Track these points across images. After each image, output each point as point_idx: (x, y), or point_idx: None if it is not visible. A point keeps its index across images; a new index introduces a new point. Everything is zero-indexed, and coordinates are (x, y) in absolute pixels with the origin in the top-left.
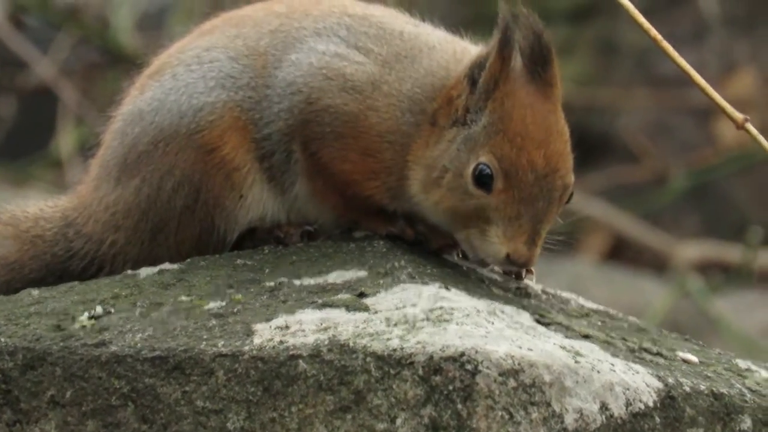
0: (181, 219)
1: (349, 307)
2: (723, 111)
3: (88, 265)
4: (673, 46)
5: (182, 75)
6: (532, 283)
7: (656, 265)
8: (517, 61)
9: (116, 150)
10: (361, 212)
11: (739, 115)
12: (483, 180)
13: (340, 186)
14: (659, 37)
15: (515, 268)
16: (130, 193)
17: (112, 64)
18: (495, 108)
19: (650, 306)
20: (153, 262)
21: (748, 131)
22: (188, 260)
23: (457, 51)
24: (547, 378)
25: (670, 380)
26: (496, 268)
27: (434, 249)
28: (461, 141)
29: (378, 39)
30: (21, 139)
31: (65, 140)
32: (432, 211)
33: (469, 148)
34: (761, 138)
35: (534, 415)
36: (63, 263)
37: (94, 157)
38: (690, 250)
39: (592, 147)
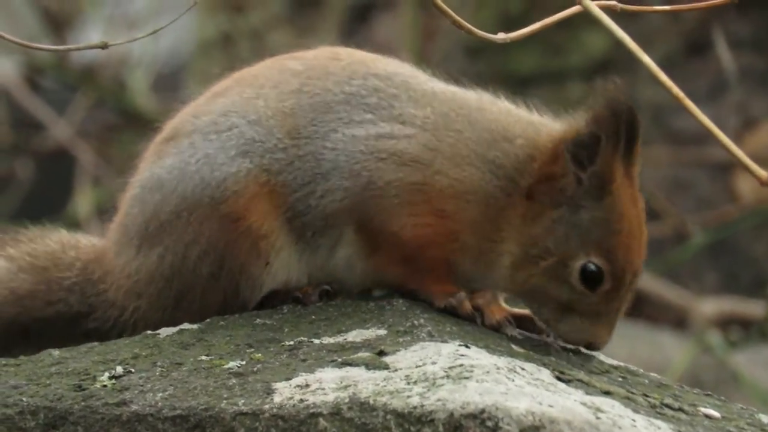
0: (207, 286)
1: (368, 366)
2: (746, 168)
3: (107, 327)
4: (692, 101)
5: (200, 144)
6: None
7: (675, 321)
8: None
9: (136, 217)
10: (424, 281)
11: (762, 172)
12: (591, 279)
13: (411, 252)
14: (681, 93)
15: (593, 350)
16: (152, 261)
17: (128, 125)
18: (613, 203)
19: (670, 362)
20: (174, 325)
21: None
22: (207, 320)
23: (520, 116)
24: None
25: None
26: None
27: (488, 325)
28: (570, 227)
29: (415, 102)
30: (38, 201)
31: (83, 202)
32: (509, 284)
33: (580, 239)
34: None
35: None
36: (76, 315)
37: (113, 221)
38: (709, 306)
39: None
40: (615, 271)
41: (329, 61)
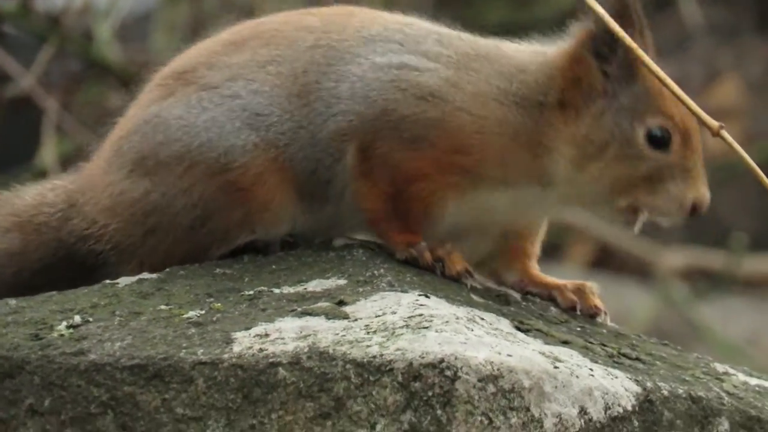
0: (181, 236)
1: (328, 315)
2: (698, 118)
3: (87, 245)
4: (657, 55)
5: (208, 104)
6: (607, 321)
7: (640, 272)
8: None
9: (135, 145)
10: (390, 227)
11: (714, 123)
12: (660, 141)
13: (399, 186)
14: (635, 45)
15: (694, 215)
16: (138, 190)
17: (94, 75)
18: (645, 76)
19: (635, 313)
20: (133, 258)
21: (723, 138)
22: (167, 270)
23: (523, 49)
24: (526, 383)
25: (649, 384)
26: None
27: (449, 275)
28: (615, 112)
29: (439, 42)
30: (4, 151)
31: (48, 152)
32: (576, 189)
33: (631, 116)
34: (737, 145)
35: (513, 420)
36: (70, 247)
37: (108, 138)
38: (674, 258)
39: None
40: (677, 124)
41: (347, 17)
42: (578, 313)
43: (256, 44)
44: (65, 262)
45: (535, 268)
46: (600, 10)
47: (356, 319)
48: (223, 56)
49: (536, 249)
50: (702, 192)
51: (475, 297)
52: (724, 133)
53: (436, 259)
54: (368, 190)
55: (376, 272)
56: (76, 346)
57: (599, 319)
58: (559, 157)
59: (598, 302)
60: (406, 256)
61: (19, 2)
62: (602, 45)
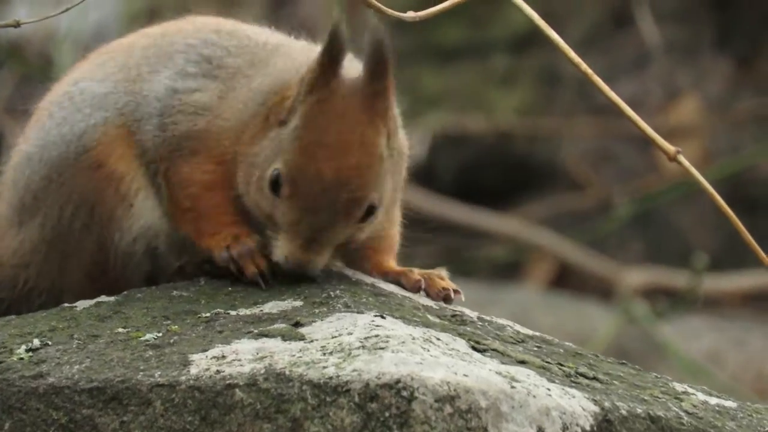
0: (80, 238)
1: (285, 337)
2: (654, 143)
3: (4, 307)
4: (616, 75)
5: (57, 113)
6: (460, 304)
7: (601, 291)
8: (350, 69)
9: (12, 198)
10: (203, 233)
11: (671, 148)
12: (275, 184)
13: (194, 200)
14: (589, 70)
15: (296, 270)
16: (34, 231)
17: None
18: (304, 113)
19: (596, 332)
20: (66, 292)
21: (680, 163)
22: (125, 293)
23: (311, 56)
24: (483, 403)
25: (607, 404)
26: (425, 296)
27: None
28: (275, 141)
29: (238, 50)
30: None
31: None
32: (253, 212)
33: (275, 150)
34: (693, 170)
35: None
36: None
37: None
38: (634, 276)
39: (536, 176)
40: (293, 176)
41: (185, 23)
42: (424, 295)
43: (93, 58)
44: None
45: (385, 261)
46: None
47: (312, 341)
48: (71, 72)
49: (386, 244)
50: (292, 251)
51: (431, 317)
52: (681, 158)
53: (233, 260)
54: (176, 210)
55: (332, 293)
56: (35, 369)
57: (454, 300)
58: (239, 173)
59: (446, 284)
60: (220, 260)
61: None
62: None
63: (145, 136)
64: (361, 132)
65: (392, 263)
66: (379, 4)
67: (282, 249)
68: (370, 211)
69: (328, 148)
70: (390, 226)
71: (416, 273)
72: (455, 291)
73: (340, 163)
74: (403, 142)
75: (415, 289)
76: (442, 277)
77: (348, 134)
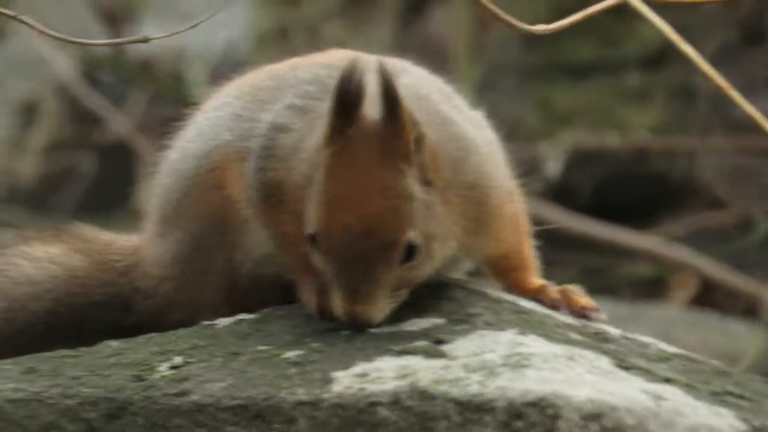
0: (212, 257)
1: (427, 354)
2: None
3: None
4: (749, 92)
5: (201, 122)
6: (602, 321)
7: (745, 309)
8: (365, 113)
9: (158, 205)
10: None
11: None
12: (313, 243)
13: (279, 250)
14: (725, 83)
15: (353, 325)
16: (172, 245)
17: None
18: (325, 166)
19: (741, 350)
20: (203, 310)
21: None
22: (265, 310)
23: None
24: (629, 421)
25: (756, 423)
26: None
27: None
28: (309, 199)
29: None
30: (99, 195)
31: (143, 195)
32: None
33: (309, 209)
34: None
35: None
36: (125, 302)
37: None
38: None
39: (673, 193)
40: (322, 231)
41: (321, 56)
42: (565, 312)
43: (248, 75)
44: (119, 308)
45: (523, 277)
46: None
47: (454, 358)
48: (227, 87)
49: (520, 261)
50: (336, 305)
51: (573, 335)
52: None
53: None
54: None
55: (472, 311)
56: (178, 386)
57: (594, 318)
58: None
59: (586, 301)
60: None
61: (113, 49)
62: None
63: (246, 170)
64: (380, 177)
65: (531, 279)
66: (509, 18)
67: (335, 306)
68: (411, 251)
69: (349, 199)
70: (517, 242)
71: (554, 290)
72: (595, 309)
73: (363, 212)
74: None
75: (554, 307)
76: (579, 293)
77: (366, 181)
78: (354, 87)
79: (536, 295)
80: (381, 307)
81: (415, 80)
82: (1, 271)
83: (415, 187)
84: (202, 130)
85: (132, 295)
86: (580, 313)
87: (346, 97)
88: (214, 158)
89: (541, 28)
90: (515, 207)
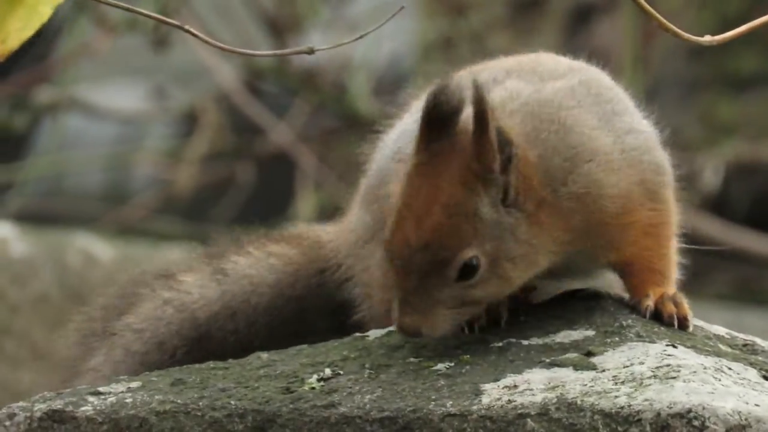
0: (377, 249)
1: (576, 366)
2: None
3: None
4: None
5: (406, 120)
6: (690, 325)
7: None
8: (462, 129)
9: (361, 185)
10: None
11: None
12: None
13: None
14: None
15: (406, 336)
16: (359, 225)
17: (349, 129)
18: (406, 178)
19: None
20: (369, 288)
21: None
22: None
23: None
24: None
25: None
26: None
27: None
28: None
29: None
30: (259, 205)
31: (304, 205)
32: None
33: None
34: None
35: None
36: (329, 292)
37: None
38: None
39: None
40: (387, 239)
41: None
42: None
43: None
44: (319, 306)
45: (644, 284)
46: None
47: (604, 370)
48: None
49: (650, 268)
50: (395, 318)
51: (722, 346)
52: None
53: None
54: None
55: (624, 323)
56: (327, 399)
57: (686, 326)
58: None
59: (677, 309)
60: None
61: (277, 59)
62: None
63: None
64: (448, 193)
65: (652, 287)
66: (675, 29)
67: (392, 316)
68: (468, 270)
69: (414, 212)
70: (648, 250)
71: (651, 298)
72: (685, 318)
73: (422, 226)
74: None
75: (643, 313)
76: (678, 303)
77: (434, 197)
78: (444, 101)
79: (636, 303)
80: (436, 321)
81: (554, 87)
82: (222, 270)
83: (486, 208)
84: (391, 139)
85: (332, 282)
86: (670, 319)
87: (435, 110)
88: (402, 157)
89: (708, 39)
90: (648, 215)
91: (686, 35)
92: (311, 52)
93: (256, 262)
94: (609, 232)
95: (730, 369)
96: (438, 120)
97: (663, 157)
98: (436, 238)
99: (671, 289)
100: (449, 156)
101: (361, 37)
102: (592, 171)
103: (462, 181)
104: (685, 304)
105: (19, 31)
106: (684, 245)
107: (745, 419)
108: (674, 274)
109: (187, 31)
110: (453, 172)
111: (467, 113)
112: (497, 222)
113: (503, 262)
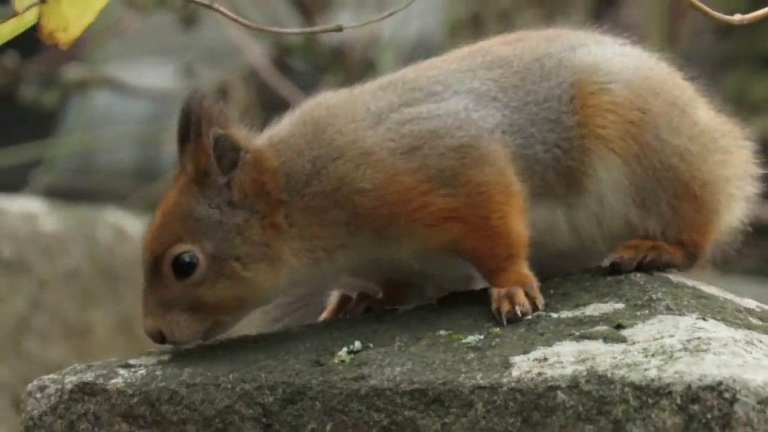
0: None
1: (606, 339)
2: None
3: None
4: None
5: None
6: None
7: None
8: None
9: None
10: None
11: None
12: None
13: None
14: None
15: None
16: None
17: None
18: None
19: None
20: None
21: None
22: (447, 294)
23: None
24: None
25: None
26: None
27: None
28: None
29: None
30: None
31: None
32: None
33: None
34: None
35: None
36: None
37: None
38: None
39: None
40: None
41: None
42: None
43: None
44: None
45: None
46: None
47: (634, 343)
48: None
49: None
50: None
51: (753, 320)
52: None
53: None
54: None
55: (653, 296)
56: (357, 371)
57: (516, 317)
58: None
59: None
60: None
61: (306, 36)
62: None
63: None
64: (169, 197)
65: (496, 279)
66: (706, 8)
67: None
68: (181, 266)
69: (151, 226)
70: (483, 242)
71: (495, 299)
72: (522, 306)
73: (149, 229)
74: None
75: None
76: (528, 293)
77: (162, 203)
78: (185, 114)
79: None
80: (174, 324)
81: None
82: None
83: (201, 208)
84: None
85: None
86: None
87: (181, 124)
88: None
89: (737, 18)
90: (445, 201)
91: (716, 14)
92: (340, 29)
93: None
94: (383, 225)
95: (761, 342)
96: (183, 133)
97: (473, 137)
98: (153, 239)
99: (516, 270)
100: (182, 165)
101: (390, 14)
102: (338, 168)
103: (180, 185)
104: (535, 290)
105: (78, 17)
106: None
107: None
108: (517, 249)
109: (216, 10)
110: (179, 177)
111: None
112: (219, 222)
113: (230, 262)
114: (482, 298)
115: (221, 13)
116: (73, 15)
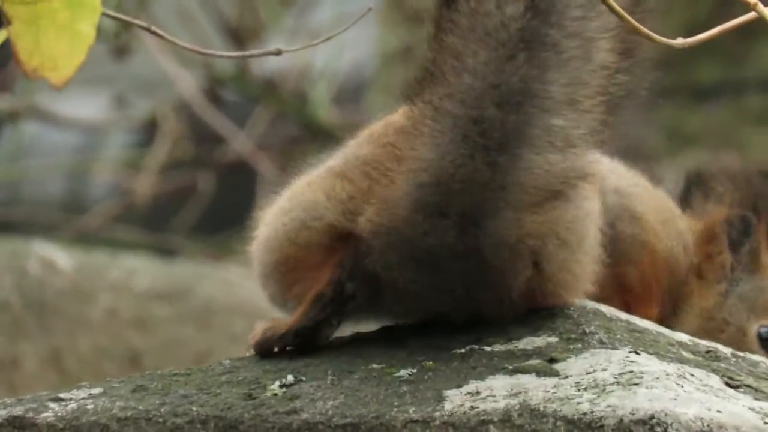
0: None
1: (539, 373)
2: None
3: None
4: None
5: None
6: None
7: None
8: None
9: None
10: None
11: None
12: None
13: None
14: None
15: None
16: None
17: (310, 138)
18: (765, 272)
19: None
20: None
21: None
22: (381, 327)
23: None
24: None
25: None
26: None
27: None
28: (736, 298)
29: None
30: (219, 213)
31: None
32: None
33: (748, 308)
34: None
35: None
36: None
37: None
38: None
39: None
40: None
41: None
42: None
43: None
44: None
45: None
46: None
47: (567, 377)
48: None
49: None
50: None
51: (685, 353)
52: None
53: None
54: None
55: (587, 329)
56: (289, 405)
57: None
58: (685, 319)
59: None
60: None
61: (237, 67)
62: (737, 232)
63: None
64: None
65: None
66: (648, 31)
67: None
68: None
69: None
70: None
71: None
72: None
73: None
74: None
75: None
76: None
77: None
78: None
79: None
80: None
81: None
82: None
83: None
84: None
85: None
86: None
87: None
88: None
89: (680, 41)
90: None
91: (658, 38)
92: (279, 53)
93: None
94: None
95: (692, 375)
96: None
97: None
98: None
99: None
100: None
101: (328, 38)
102: None
103: None
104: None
105: (68, 56)
106: None
107: (708, 425)
108: None
109: (153, 32)
110: None
111: None
112: None
113: None
114: (415, 331)
115: (159, 35)
116: (61, 52)
